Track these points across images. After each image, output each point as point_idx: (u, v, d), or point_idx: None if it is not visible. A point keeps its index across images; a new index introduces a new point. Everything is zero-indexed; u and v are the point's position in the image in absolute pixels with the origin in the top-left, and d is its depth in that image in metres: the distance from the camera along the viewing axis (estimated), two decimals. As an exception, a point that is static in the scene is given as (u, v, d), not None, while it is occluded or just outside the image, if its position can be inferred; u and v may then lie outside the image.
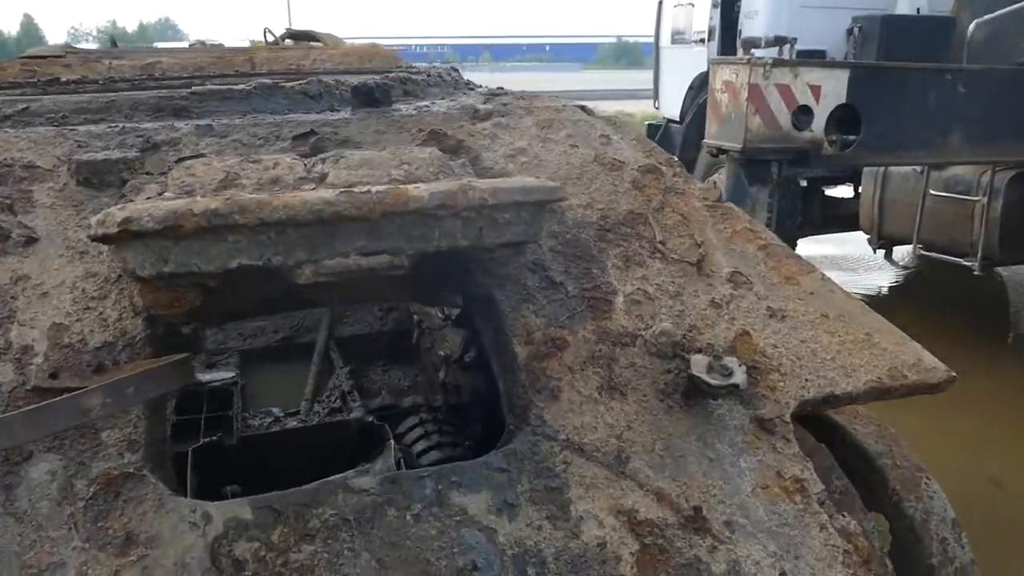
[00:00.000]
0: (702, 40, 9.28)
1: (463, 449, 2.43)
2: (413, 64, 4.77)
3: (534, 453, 1.59)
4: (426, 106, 2.48)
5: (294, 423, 2.72)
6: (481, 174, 2.14)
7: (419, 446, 2.48)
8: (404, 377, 3.17)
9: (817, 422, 2.06)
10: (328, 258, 1.39)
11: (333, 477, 1.70)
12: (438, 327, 3.03)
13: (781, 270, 2.09)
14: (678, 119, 9.87)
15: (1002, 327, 7.87)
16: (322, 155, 1.79)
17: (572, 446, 1.61)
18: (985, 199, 6.65)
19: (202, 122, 2.17)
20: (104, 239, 1.34)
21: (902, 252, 8.94)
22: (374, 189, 1.39)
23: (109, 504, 1.40)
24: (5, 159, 1.95)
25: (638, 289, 1.92)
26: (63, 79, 3.29)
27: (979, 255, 6.78)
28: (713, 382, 1.61)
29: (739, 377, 1.62)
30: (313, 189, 1.62)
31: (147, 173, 1.93)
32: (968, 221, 6.84)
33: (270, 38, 7.08)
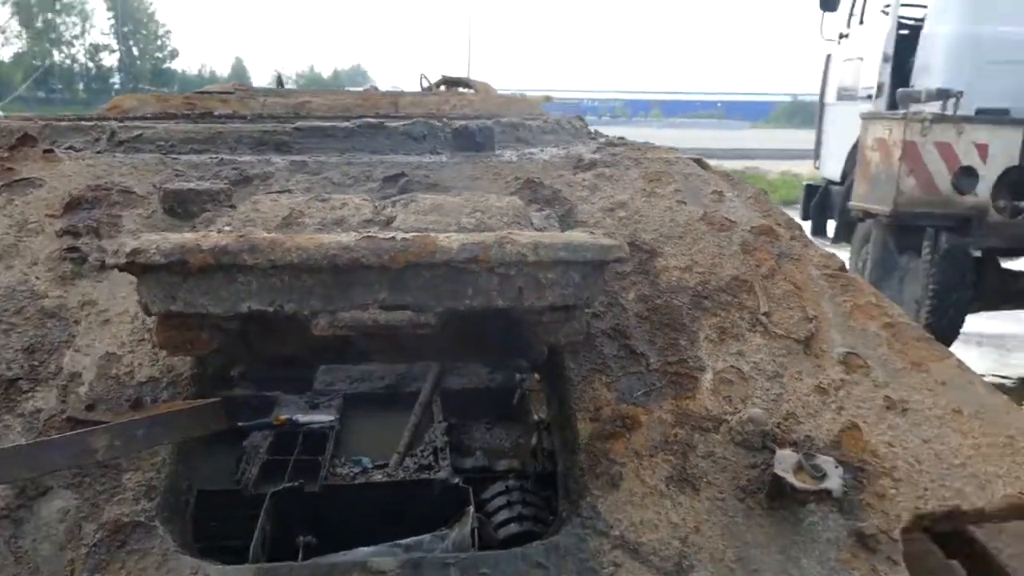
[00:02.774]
0: (870, 96, 8.74)
1: (546, 525, 2.26)
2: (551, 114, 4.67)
3: (579, 549, 1.39)
4: (531, 153, 2.37)
5: (380, 476, 2.64)
6: (571, 228, 1.99)
7: (499, 516, 2.34)
8: (507, 437, 3.03)
9: (951, 534, 1.74)
10: (345, 309, 1.27)
11: (371, 548, 1.56)
12: (536, 388, 2.87)
13: (908, 354, 1.80)
14: (839, 180, 9.32)
15: None
16: (393, 198, 1.70)
17: (626, 545, 1.40)
18: None
19: (298, 158, 2.15)
20: (120, 269, 1.29)
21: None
22: (399, 236, 1.27)
23: (112, 554, 1.33)
24: (105, 183, 1.99)
25: (731, 366, 1.70)
26: (216, 112, 3.43)
27: None
28: (800, 485, 1.36)
29: (833, 482, 1.37)
30: (372, 234, 1.53)
31: (231, 206, 1.91)
32: None
33: (425, 83, 7.24)
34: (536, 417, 2.63)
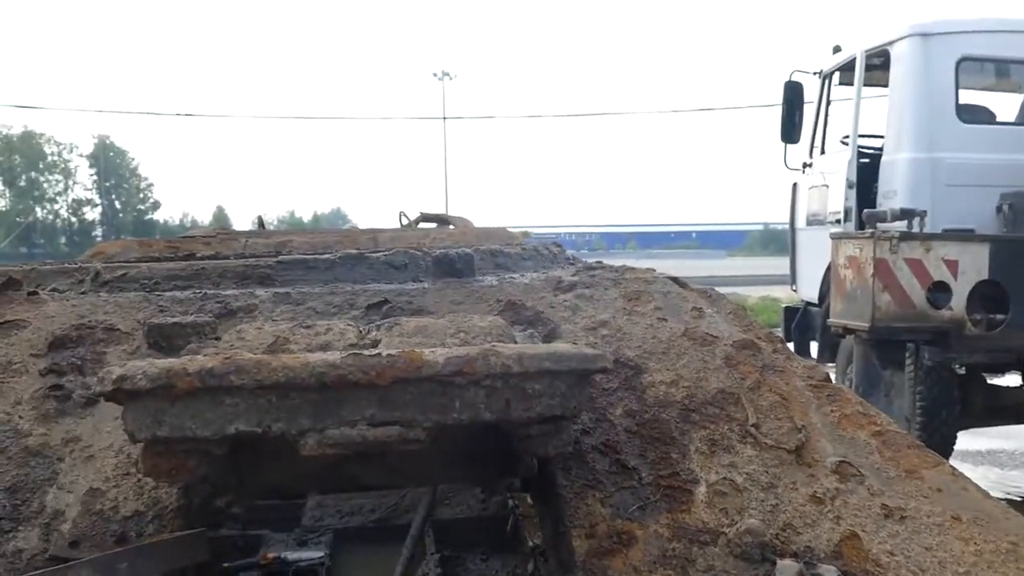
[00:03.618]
0: (838, 221, 9.01)
1: None
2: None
3: None
4: (512, 277, 2.41)
5: None
6: None
7: (498, 650, 2.24)
8: (502, 568, 2.95)
9: None
10: (333, 427, 1.27)
11: None
12: (530, 514, 2.81)
13: (900, 461, 1.79)
14: (817, 302, 9.46)
15: None
16: (378, 322, 1.72)
17: None
18: None
19: (281, 290, 2.19)
20: (105, 397, 1.29)
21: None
22: (385, 352, 1.28)
23: None
24: (89, 321, 2.01)
25: (724, 478, 1.68)
26: (198, 254, 3.48)
27: None
28: (803, 596, 1.33)
29: (837, 591, 1.33)
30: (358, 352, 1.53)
31: (216, 338, 1.92)
32: None
33: (404, 221, 7.34)
34: (531, 544, 2.57)
